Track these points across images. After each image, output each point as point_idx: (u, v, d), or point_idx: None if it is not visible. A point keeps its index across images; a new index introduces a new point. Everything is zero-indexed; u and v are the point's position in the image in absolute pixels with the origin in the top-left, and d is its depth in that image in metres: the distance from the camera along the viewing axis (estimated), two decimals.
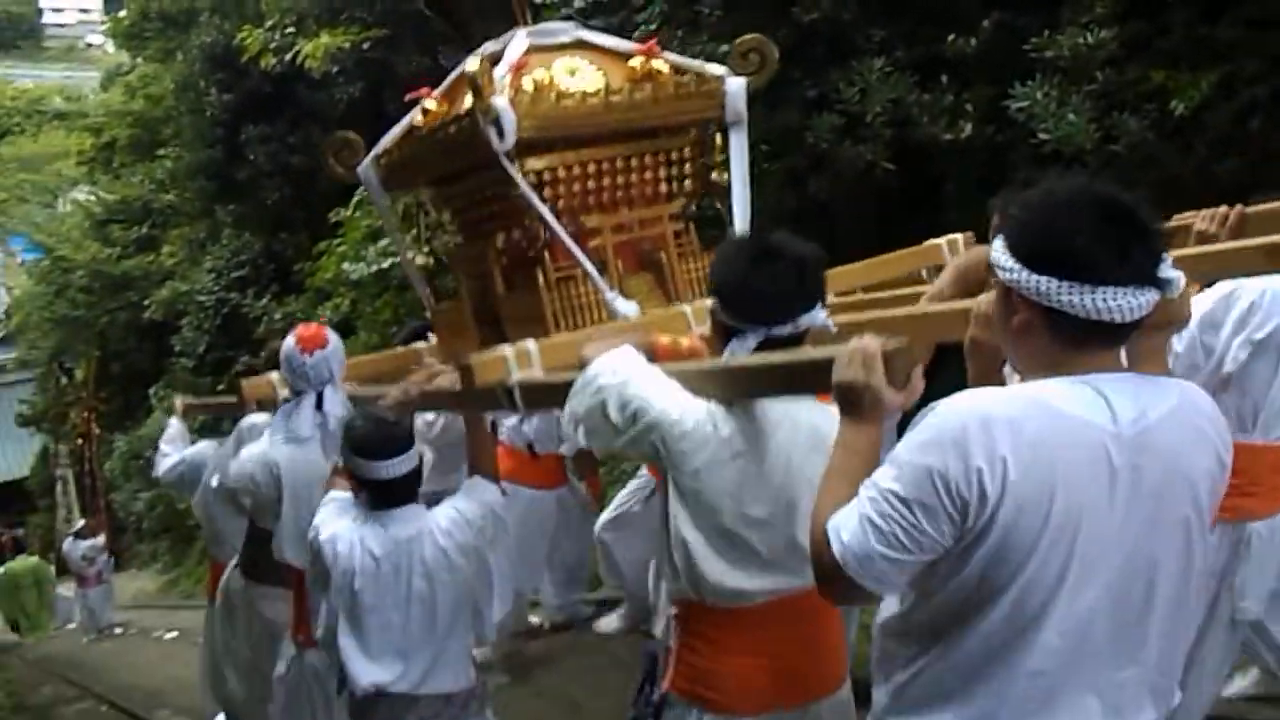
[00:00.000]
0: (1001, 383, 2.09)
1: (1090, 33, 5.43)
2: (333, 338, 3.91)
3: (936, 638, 1.81)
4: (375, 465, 3.24)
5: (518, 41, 3.52)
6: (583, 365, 2.56)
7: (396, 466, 3.25)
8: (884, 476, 1.75)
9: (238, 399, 4.38)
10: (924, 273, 3.70)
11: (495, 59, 3.49)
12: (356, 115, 14.35)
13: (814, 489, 2.14)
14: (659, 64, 3.58)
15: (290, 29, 11.63)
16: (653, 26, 6.97)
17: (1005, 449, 1.68)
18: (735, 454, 2.36)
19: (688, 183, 3.69)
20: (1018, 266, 1.76)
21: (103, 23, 27.85)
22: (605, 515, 5.44)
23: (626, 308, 3.29)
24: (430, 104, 3.67)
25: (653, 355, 2.63)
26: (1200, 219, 2.89)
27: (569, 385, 2.65)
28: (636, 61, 3.58)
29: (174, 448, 5.29)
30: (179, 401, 5.70)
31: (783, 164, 6.85)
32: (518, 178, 3.23)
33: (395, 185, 3.93)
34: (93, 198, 22.46)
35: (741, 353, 2.39)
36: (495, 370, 2.90)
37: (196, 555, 15.78)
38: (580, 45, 3.64)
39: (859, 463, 1.85)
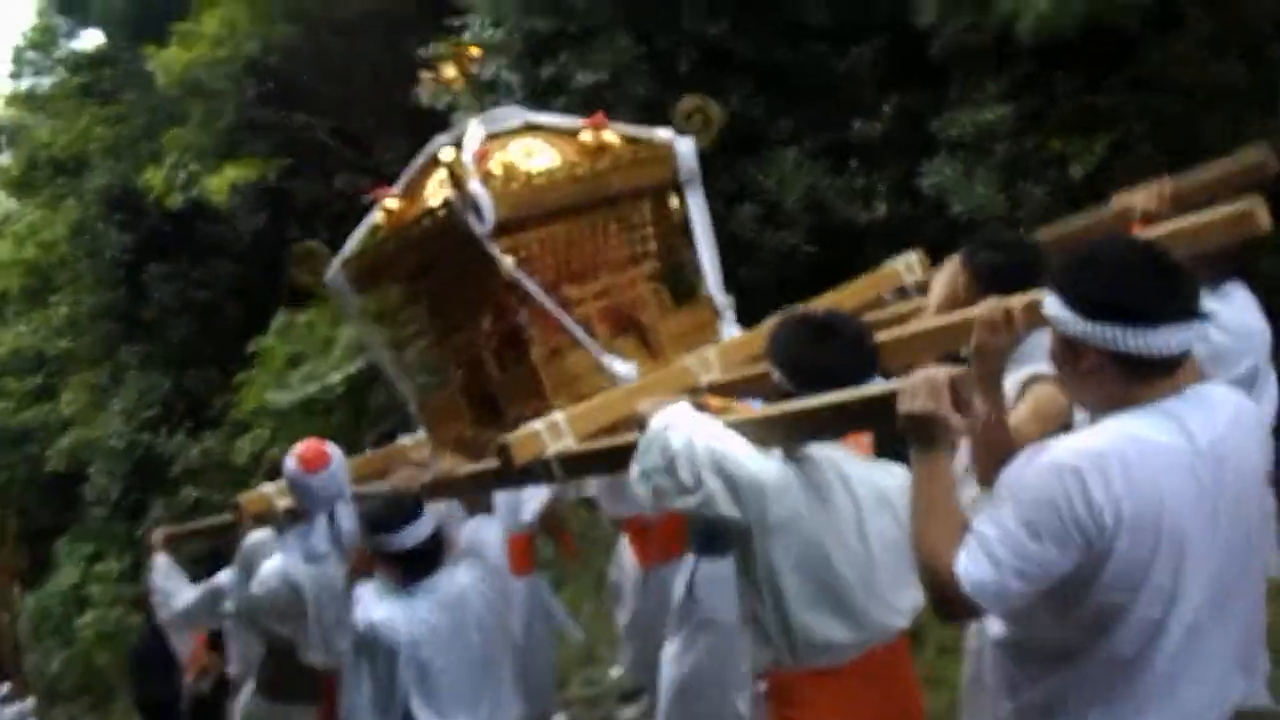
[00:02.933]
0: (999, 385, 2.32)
1: (988, 109, 5.82)
2: (334, 452, 3.88)
3: (1066, 657, 1.98)
4: (397, 536, 3.38)
5: (473, 131, 3.59)
6: (640, 423, 2.61)
7: (417, 530, 3.39)
8: (1008, 515, 1.92)
9: (235, 518, 4.31)
10: (887, 296, 3.81)
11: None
12: (261, 246, 14.35)
13: (884, 541, 2.32)
14: (608, 135, 3.69)
15: (192, 165, 11.64)
16: None
17: (1118, 485, 1.87)
18: (811, 507, 2.47)
19: (653, 244, 3.80)
20: (1081, 319, 1.96)
21: None
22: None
23: (624, 369, 3.37)
24: (392, 203, 3.73)
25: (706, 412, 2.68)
26: (1140, 199, 3.07)
27: (609, 451, 2.74)
28: (587, 135, 3.68)
29: (176, 584, 4.90)
30: (159, 534, 5.10)
31: None
32: (501, 259, 3.29)
33: (366, 287, 3.96)
34: None
35: None
36: (531, 446, 2.94)
37: (120, 715, 15.13)
38: (530, 128, 3.74)
39: (947, 491, 2.01)
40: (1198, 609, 1.94)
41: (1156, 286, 1.94)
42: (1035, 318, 2.38)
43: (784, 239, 6.56)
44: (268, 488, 4.15)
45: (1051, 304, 2.02)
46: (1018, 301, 2.40)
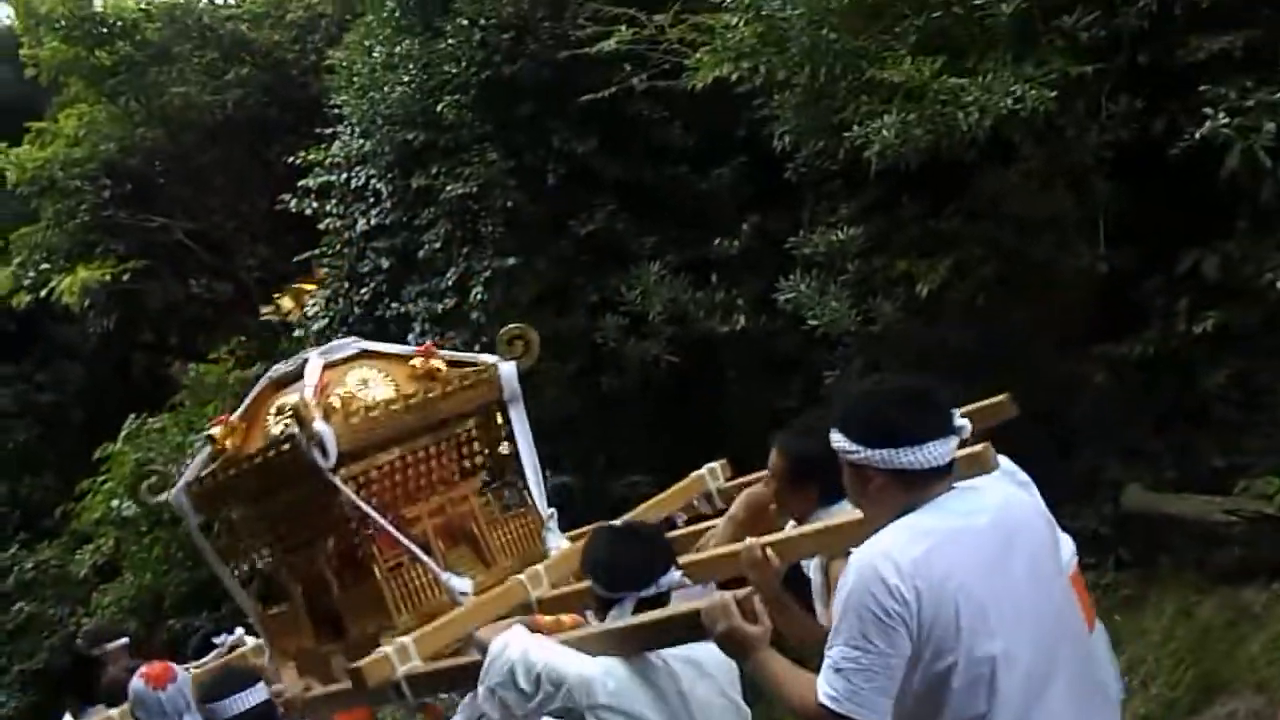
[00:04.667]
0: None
1: (840, 231, 6.16)
2: (178, 670, 4.07)
3: None
4: (226, 703, 3.40)
5: (313, 364, 3.81)
6: (481, 648, 2.93)
7: (246, 699, 3.42)
8: (841, 634, 2.22)
9: None
10: (695, 501, 4.15)
11: (289, 380, 3.82)
12: (110, 348, 13.96)
13: (703, 706, 2.75)
14: (436, 361, 3.96)
15: (44, 265, 11.33)
16: (438, 246, 7.35)
17: (907, 565, 2.21)
18: (635, 684, 2.75)
19: (480, 459, 4.04)
20: (862, 448, 2.35)
21: None
22: None
23: (460, 584, 3.57)
24: (227, 429, 3.86)
25: (538, 632, 2.99)
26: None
27: (452, 671, 3.05)
28: (417, 361, 3.93)
29: None
30: None
31: (568, 366, 7.23)
32: (345, 490, 3.47)
33: (209, 509, 4.06)
34: None
35: (621, 617, 2.85)
36: (381, 669, 3.13)
37: None
38: (365, 355, 3.98)
39: (783, 666, 2.34)
40: (1027, 660, 2.22)
41: (918, 412, 2.35)
42: (789, 551, 2.93)
43: (647, 349, 6.76)
44: (112, 713, 4.19)
45: (837, 439, 2.40)
46: (770, 540, 2.92)
